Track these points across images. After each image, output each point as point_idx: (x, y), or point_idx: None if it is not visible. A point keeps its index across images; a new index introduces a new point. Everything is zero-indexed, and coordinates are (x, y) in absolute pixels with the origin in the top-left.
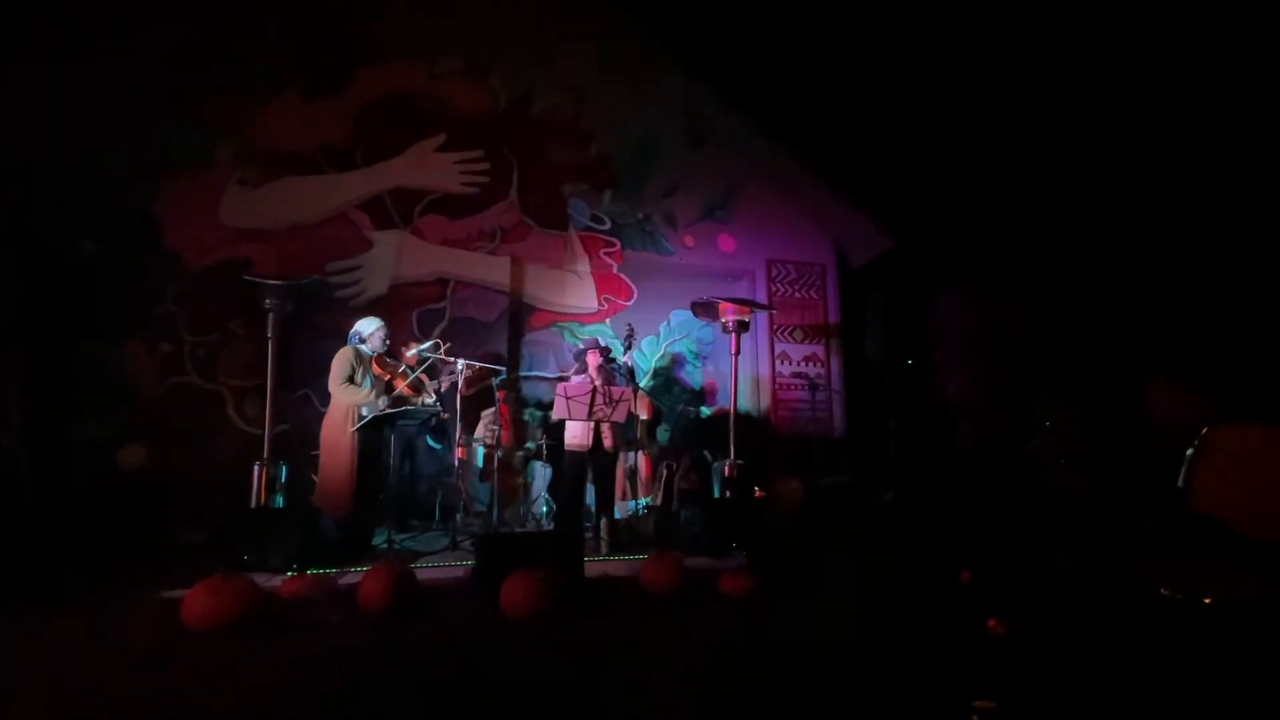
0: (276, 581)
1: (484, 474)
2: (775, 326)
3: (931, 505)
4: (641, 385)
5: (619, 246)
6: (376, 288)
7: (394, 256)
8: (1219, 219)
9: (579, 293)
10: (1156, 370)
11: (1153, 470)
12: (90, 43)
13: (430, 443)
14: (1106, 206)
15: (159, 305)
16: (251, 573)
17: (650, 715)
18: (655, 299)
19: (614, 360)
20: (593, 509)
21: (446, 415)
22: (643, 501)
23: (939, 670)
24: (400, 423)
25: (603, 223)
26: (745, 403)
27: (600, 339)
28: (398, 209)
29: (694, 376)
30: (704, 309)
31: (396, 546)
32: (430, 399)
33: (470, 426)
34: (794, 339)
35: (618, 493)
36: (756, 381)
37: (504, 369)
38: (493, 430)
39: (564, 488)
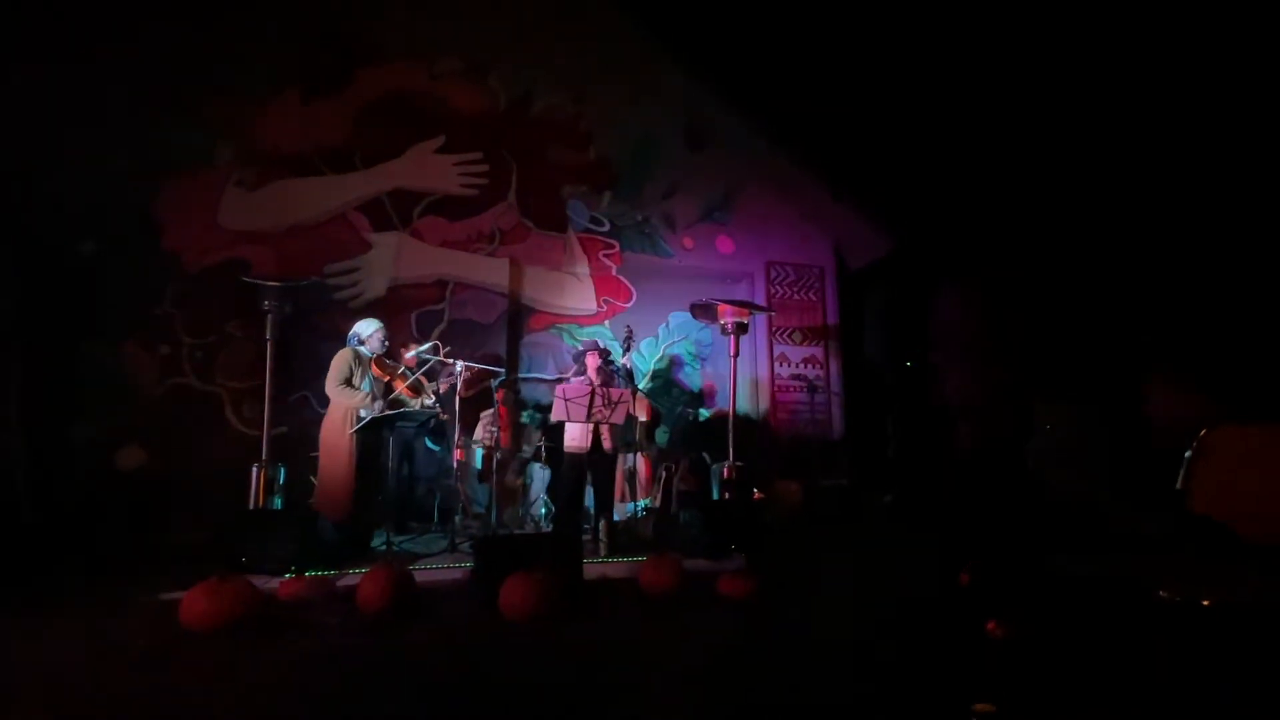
0: (275, 583)
1: (483, 476)
2: (774, 328)
3: (931, 506)
4: (640, 387)
5: (618, 248)
6: (375, 289)
7: (393, 258)
8: (1218, 220)
9: (578, 294)
10: (1156, 371)
11: (1152, 471)
12: (90, 43)
13: (429, 444)
14: (1106, 207)
15: (158, 306)
16: (250, 574)
17: (649, 717)
18: (654, 301)
19: (613, 362)
20: (591, 511)
21: (445, 417)
22: (642, 503)
23: (938, 672)
24: (399, 424)
25: (602, 224)
26: (744, 405)
27: (599, 341)
28: (397, 210)
29: (693, 378)
30: (703, 311)
31: (395, 548)
32: (429, 401)
33: (469, 428)
34: (793, 341)
35: (616, 494)
36: (755, 383)
37: (503, 371)
38: (492, 432)
39: (563, 489)
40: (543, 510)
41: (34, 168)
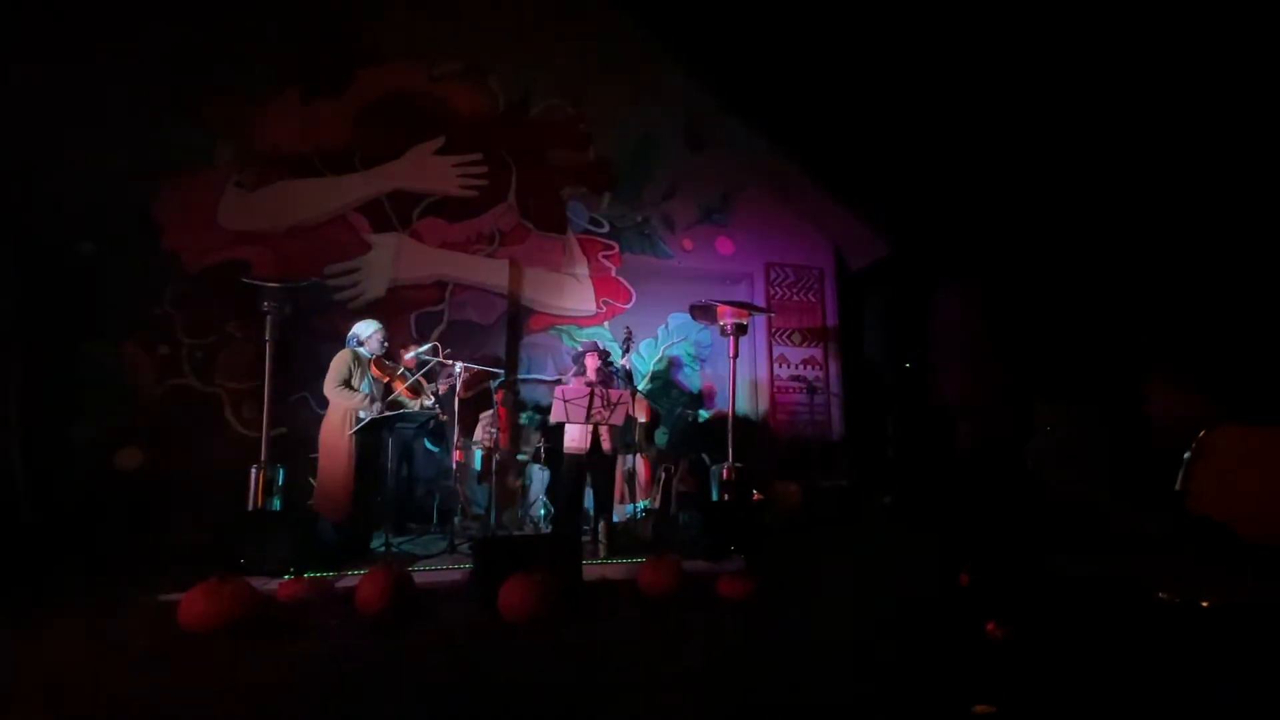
0: (274, 584)
1: (482, 477)
2: (773, 329)
3: (931, 507)
4: (640, 388)
5: (617, 249)
6: (375, 290)
7: (392, 259)
8: (1218, 220)
9: (577, 295)
10: (1156, 371)
11: (1152, 471)
12: (90, 43)
13: (428, 445)
14: (1106, 207)
15: (158, 306)
16: (249, 575)
17: (649, 717)
18: (653, 302)
19: (612, 363)
20: (591, 512)
21: (445, 418)
22: (641, 504)
23: (938, 672)
24: (398, 426)
25: (601, 225)
26: (743, 406)
27: (599, 342)
28: (396, 211)
29: (692, 379)
30: (702, 312)
31: (394, 549)
32: (428, 402)
33: (468, 429)
34: (792, 342)
35: (616, 496)
36: (755, 384)
37: (502, 372)
38: (491, 433)
39: (562, 491)
40: (542, 511)
41: (34, 168)
